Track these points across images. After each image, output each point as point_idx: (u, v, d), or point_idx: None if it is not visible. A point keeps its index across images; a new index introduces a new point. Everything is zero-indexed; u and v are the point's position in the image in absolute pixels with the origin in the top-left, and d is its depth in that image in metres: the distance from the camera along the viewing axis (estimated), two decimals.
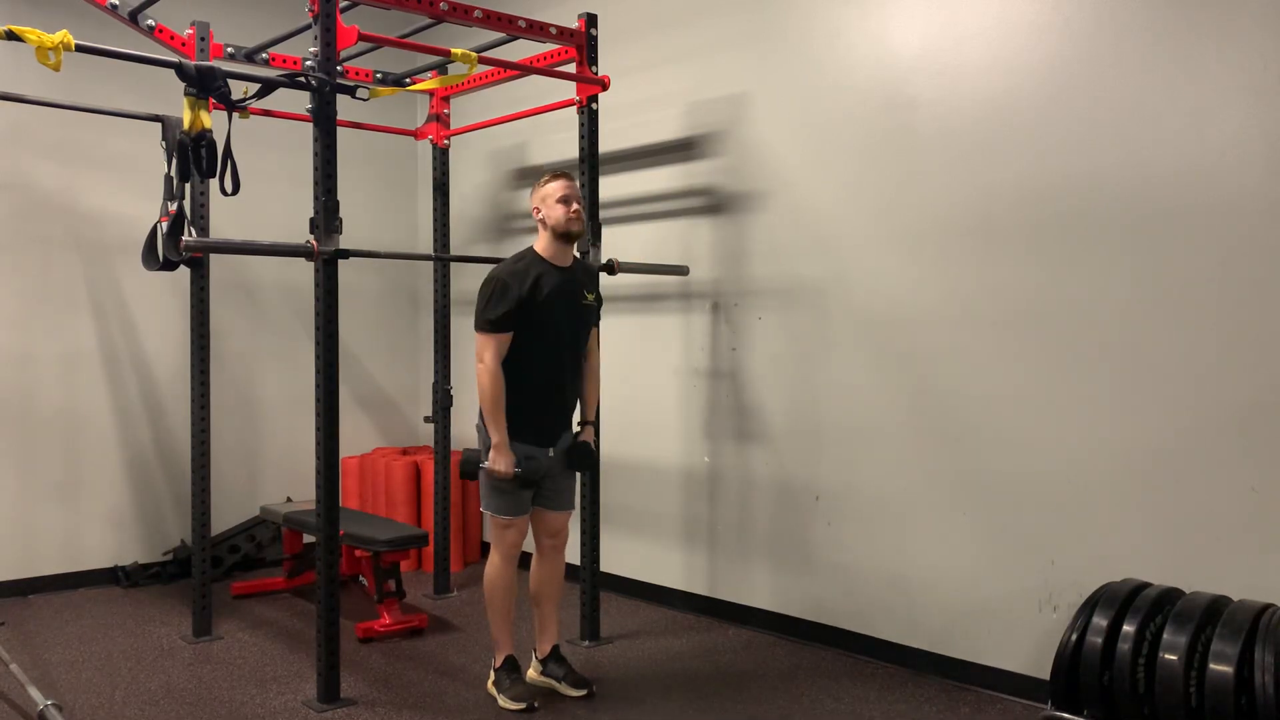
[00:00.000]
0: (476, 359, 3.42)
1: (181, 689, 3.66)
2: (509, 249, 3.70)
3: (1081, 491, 3.37)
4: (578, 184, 3.59)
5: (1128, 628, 2.89)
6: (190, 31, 4.09)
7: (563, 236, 3.50)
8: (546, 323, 3.44)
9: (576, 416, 3.70)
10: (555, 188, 3.49)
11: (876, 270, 3.91)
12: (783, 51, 4.23)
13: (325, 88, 3.42)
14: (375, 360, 6.04)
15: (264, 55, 4.49)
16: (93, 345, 5.07)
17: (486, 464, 3.40)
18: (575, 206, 3.49)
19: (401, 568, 4.51)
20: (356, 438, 5.85)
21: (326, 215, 3.44)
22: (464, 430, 5.36)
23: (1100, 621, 2.94)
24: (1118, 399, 3.29)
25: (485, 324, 3.39)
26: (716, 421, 4.51)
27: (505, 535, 3.51)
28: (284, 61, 4.51)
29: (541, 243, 3.54)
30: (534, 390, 3.46)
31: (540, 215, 3.53)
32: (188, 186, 3.88)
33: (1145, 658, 2.85)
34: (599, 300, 3.71)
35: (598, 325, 3.73)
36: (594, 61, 4.15)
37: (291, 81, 3.42)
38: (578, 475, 3.74)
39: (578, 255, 3.67)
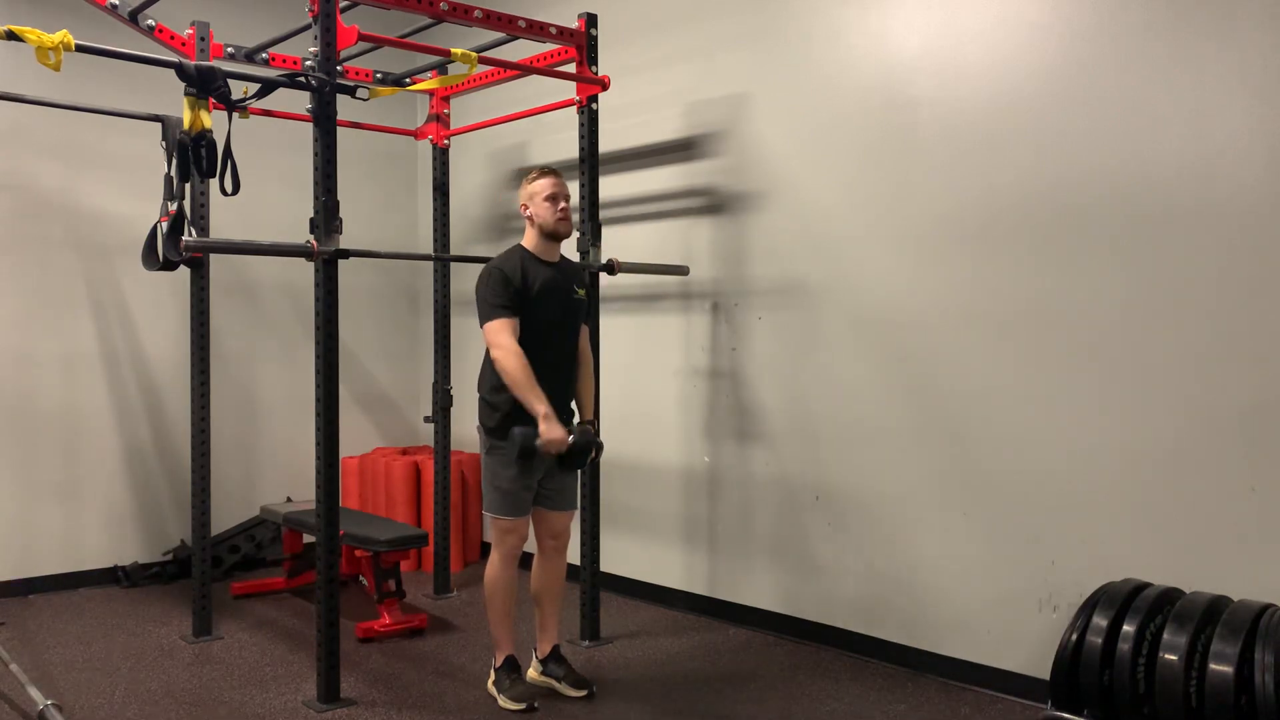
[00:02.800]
0: (493, 348, 3.35)
1: (181, 689, 3.66)
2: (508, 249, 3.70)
3: (1081, 491, 3.38)
4: (565, 181, 3.57)
5: (1128, 628, 2.89)
6: (190, 31, 4.09)
7: (550, 235, 3.50)
8: (538, 315, 3.42)
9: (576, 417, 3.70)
10: (543, 185, 3.48)
11: (877, 270, 3.91)
12: (783, 51, 4.23)
13: (325, 88, 3.42)
14: (375, 360, 6.04)
15: (264, 55, 4.49)
16: (93, 345, 5.07)
17: (541, 440, 3.27)
18: (564, 205, 3.48)
19: (401, 568, 4.50)
20: (356, 438, 5.85)
21: (326, 215, 3.43)
22: (464, 430, 5.37)
23: (1100, 621, 2.94)
24: (1118, 399, 3.29)
25: (494, 310, 3.36)
26: (716, 421, 4.51)
27: (506, 537, 3.51)
28: (284, 61, 4.51)
29: (529, 239, 3.54)
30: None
31: (528, 213, 3.52)
32: (188, 186, 3.87)
33: (1145, 658, 2.85)
34: (590, 296, 3.69)
35: (589, 325, 3.72)
36: (594, 61, 4.15)
37: (291, 81, 3.42)
38: (578, 473, 3.73)
39: (564, 255, 3.66)
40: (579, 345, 3.63)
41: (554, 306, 3.46)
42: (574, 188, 4.14)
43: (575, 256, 4.11)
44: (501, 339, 3.34)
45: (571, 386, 3.61)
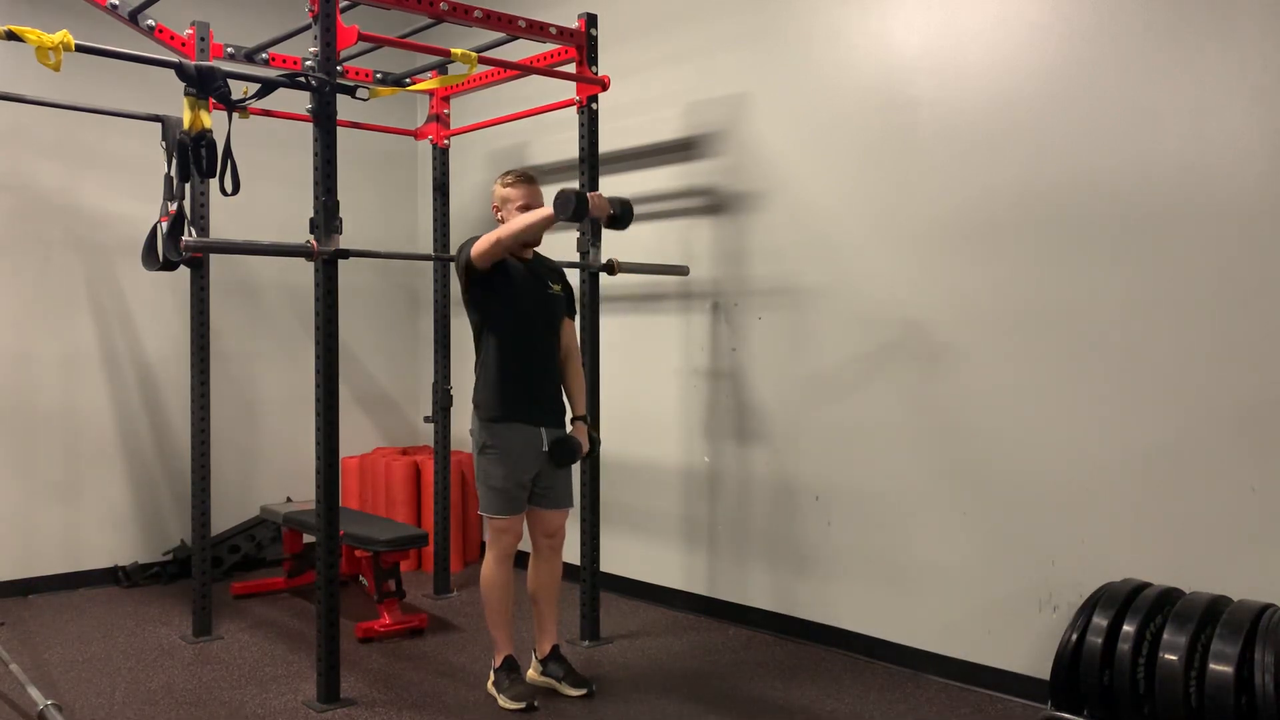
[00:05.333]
0: (488, 242, 3.34)
1: (181, 689, 3.66)
2: None
3: (1081, 491, 3.37)
4: (538, 188, 3.59)
5: (1128, 628, 2.89)
6: (190, 31, 4.09)
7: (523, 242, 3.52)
8: (514, 305, 3.47)
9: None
10: (518, 195, 3.53)
11: (877, 270, 3.91)
12: (783, 51, 4.23)
13: (325, 88, 3.42)
14: (375, 360, 6.04)
15: (264, 55, 4.49)
16: (93, 345, 5.07)
17: (594, 203, 3.28)
18: None
19: (401, 568, 4.50)
20: (356, 438, 5.85)
21: (326, 215, 3.44)
22: (464, 430, 5.35)
23: (1100, 621, 2.94)
24: (1118, 398, 3.29)
25: (475, 243, 3.38)
26: (716, 421, 4.51)
27: (501, 536, 3.52)
28: (284, 61, 4.51)
29: None
30: (514, 375, 3.46)
31: (500, 216, 3.57)
32: (188, 186, 3.88)
33: (1145, 658, 2.85)
34: (567, 291, 3.69)
35: (574, 320, 3.73)
36: (594, 61, 4.15)
37: (291, 81, 3.42)
38: (572, 472, 3.74)
39: (536, 253, 3.68)
40: (563, 341, 3.65)
41: (529, 301, 3.52)
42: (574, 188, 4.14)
43: (575, 256, 4.12)
44: (491, 237, 3.33)
45: (556, 380, 3.63)
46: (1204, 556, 3.11)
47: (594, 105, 4.15)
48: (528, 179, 3.56)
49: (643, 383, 4.78)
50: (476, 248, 3.38)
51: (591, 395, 4.14)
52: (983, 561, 3.62)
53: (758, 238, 4.32)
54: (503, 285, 3.46)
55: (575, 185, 3.31)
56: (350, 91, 3.57)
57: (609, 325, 4.50)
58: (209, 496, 4.28)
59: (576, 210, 3.25)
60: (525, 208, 3.50)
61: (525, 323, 3.49)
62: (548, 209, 3.30)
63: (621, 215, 3.44)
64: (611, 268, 4.14)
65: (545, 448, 3.51)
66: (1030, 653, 3.48)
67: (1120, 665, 2.86)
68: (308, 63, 3.49)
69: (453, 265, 4.99)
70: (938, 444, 3.75)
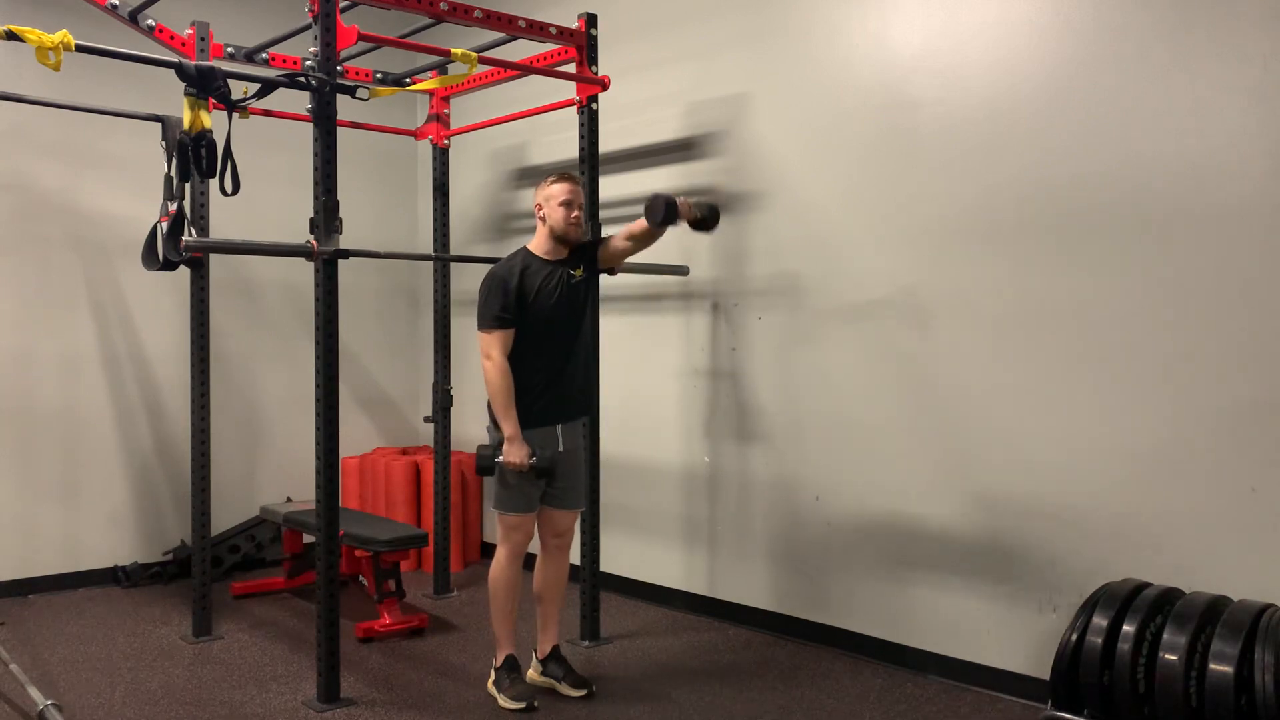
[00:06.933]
0: (483, 357, 3.44)
1: (181, 689, 3.66)
2: (509, 249, 3.72)
3: (1081, 491, 3.37)
4: (581, 189, 3.61)
5: (1128, 628, 2.89)
6: (190, 31, 4.09)
7: (560, 239, 3.54)
8: (542, 314, 3.48)
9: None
10: (560, 190, 3.53)
11: (876, 270, 3.91)
12: (782, 51, 4.23)
13: (325, 88, 3.42)
14: (375, 360, 6.04)
15: (264, 55, 4.49)
16: (93, 345, 5.07)
17: (502, 458, 3.40)
18: (576, 213, 3.55)
19: (401, 568, 4.50)
20: (356, 438, 5.85)
21: (326, 215, 3.44)
22: (464, 430, 5.37)
23: (1100, 621, 2.94)
24: (1118, 398, 3.29)
25: (489, 320, 3.43)
26: (716, 421, 4.51)
27: (512, 534, 3.53)
28: (284, 61, 4.51)
29: (537, 240, 3.58)
30: (538, 378, 3.48)
31: (541, 213, 3.56)
32: (188, 186, 3.87)
33: (1145, 658, 2.85)
34: (589, 250, 3.68)
35: (605, 238, 3.73)
36: (594, 61, 4.15)
37: (291, 81, 3.42)
38: (583, 476, 3.74)
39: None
40: (613, 245, 3.65)
41: (557, 303, 3.51)
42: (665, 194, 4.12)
43: None
44: (492, 351, 3.43)
45: (576, 374, 3.63)
46: (1204, 556, 3.11)
47: (594, 105, 4.15)
48: (571, 177, 3.58)
49: (643, 383, 4.78)
50: (482, 346, 3.43)
51: (591, 395, 4.13)
52: (982, 561, 3.62)
53: (758, 238, 4.32)
54: (526, 308, 3.46)
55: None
56: (350, 91, 3.57)
57: (609, 325, 4.50)
58: (209, 496, 4.28)
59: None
60: (567, 203, 3.51)
61: (548, 332, 3.50)
62: (514, 428, 3.38)
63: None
64: (612, 268, 4.13)
65: (560, 446, 3.53)
66: (1030, 653, 3.48)
67: (1120, 665, 2.86)
68: (308, 63, 3.50)
69: (452, 264, 5.05)
70: (938, 444, 3.75)
